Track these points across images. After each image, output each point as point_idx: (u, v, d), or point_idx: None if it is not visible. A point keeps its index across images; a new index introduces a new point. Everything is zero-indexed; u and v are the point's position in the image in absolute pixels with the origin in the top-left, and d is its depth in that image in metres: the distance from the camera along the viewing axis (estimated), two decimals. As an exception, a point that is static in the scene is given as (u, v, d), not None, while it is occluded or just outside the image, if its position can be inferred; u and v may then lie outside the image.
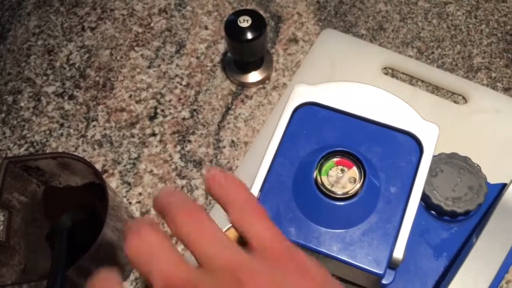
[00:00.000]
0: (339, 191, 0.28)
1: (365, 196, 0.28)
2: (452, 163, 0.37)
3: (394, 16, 0.56)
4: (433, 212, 0.37)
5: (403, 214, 0.28)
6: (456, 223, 0.36)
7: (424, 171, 0.29)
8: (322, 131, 0.31)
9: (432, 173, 0.37)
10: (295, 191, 0.29)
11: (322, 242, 0.28)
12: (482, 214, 0.36)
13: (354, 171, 0.29)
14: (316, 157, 0.29)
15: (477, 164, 0.37)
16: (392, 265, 0.28)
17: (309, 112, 0.32)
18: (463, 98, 0.50)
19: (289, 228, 0.28)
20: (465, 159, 0.37)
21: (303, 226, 0.28)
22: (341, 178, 0.29)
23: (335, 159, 0.29)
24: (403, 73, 0.52)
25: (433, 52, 0.54)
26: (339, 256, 0.27)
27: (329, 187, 0.29)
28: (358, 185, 0.29)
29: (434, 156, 0.38)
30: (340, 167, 0.29)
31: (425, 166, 0.30)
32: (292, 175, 0.30)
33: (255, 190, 0.30)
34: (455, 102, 0.50)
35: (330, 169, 0.29)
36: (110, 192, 0.40)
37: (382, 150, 0.30)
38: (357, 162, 0.29)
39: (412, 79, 0.52)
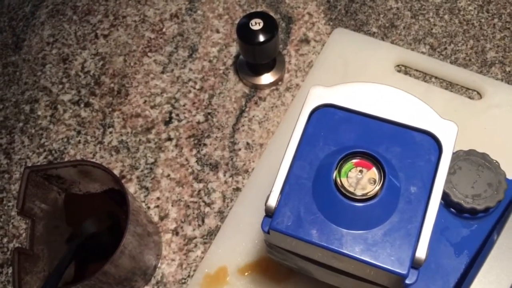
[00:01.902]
0: (359, 192, 0.29)
1: (385, 196, 0.28)
2: (470, 160, 0.37)
3: (405, 13, 0.56)
4: (453, 209, 0.37)
5: (425, 213, 0.28)
6: (476, 220, 0.36)
7: (444, 170, 0.29)
8: (339, 133, 0.32)
9: (451, 170, 0.37)
10: (315, 193, 0.30)
11: (344, 243, 0.28)
12: (502, 210, 0.36)
13: (374, 172, 0.29)
14: (335, 159, 0.30)
15: (495, 161, 0.37)
16: (415, 265, 0.28)
17: (326, 114, 0.32)
18: (478, 93, 0.50)
19: (311, 230, 0.29)
20: (484, 156, 0.37)
21: (325, 228, 0.29)
22: (360, 179, 0.29)
23: (354, 161, 0.30)
24: (416, 70, 0.52)
25: (446, 48, 0.54)
26: (361, 257, 0.28)
27: (349, 188, 0.29)
28: (378, 186, 0.29)
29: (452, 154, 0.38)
30: (359, 168, 0.29)
31: (444, 165, 0.30)
32: (312, 177, 0.30)
33: (276, 193, 0.30)
34: (469, 97, 0.50)
35: (350, 170, 0.29)
36: (130, 197, 0.41)
37: (401, 150, 0.30)
38: (376, 162, 0.29)
39: (425, 76, 0.52)
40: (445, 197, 0.36)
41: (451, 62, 0.53)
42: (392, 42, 0.54)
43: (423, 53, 0.53)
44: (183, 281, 0.44)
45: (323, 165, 0.30)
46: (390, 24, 0.56)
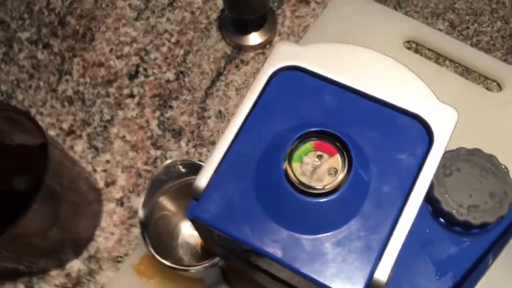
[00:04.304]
0: (314, 184, 0.22)
1: (347, 194, 0.21)
2: (473, 162, 0.30)
3: (426, -18, 0.48)
4: (442, 220, 0.30)
5: (395, 223, 0.21)
6: (470, 237, 0.29)
7: (432, 168, 0.22)
8: (304, 104, 0.24)
9: (446, 171, 0.30)
10: (257, 178, 0.23)
11: (283, 248, 0.21)
12: (504, 229, 0.29)
13: (337, 160, 0.22)
14: (290, 137, 0.22)
15: (504, 166, 0.29)
16: (372, 288, 0.21)
17: (291, 79, 0.25)
18: (498, 84, 0.42)
19: (242, 226, 0.22)
20: (490, 158, 0.30)
21: (261, 225, 0.22)
22: (318, 167, 0.22)
23: (313, 142, 0.22)
24: (429, 49, 0.44)
25: (467, 27, 0.45)
26: (301, 270, 0.21)
27: (300, 177, 0.22)
28: (339, 178, 0.21)
29: (450, 151, 0.31)
30: (318, 152, 0.22)
31: (433, 162, 0.22)
32: (257, 156, 0.23)
33: (208, 171, 0.23)
34: (487, 88, 0.42)
35: (306, 154, 0.22)
36: (67, 162, 0.35)
37: (379, 135, 0.23)
38: (342, 148, 0.22)
39: (439, 57, 0.44)
40: (435, 203, 0.29)
41: (471, 45, 0.44)
42: (405, 14, 0.46)
43: (440, 30, 0.45)
44: (119, 259, 0.38)
45: (275, 143, 0.23)
46: (406, -8, 0.47)
